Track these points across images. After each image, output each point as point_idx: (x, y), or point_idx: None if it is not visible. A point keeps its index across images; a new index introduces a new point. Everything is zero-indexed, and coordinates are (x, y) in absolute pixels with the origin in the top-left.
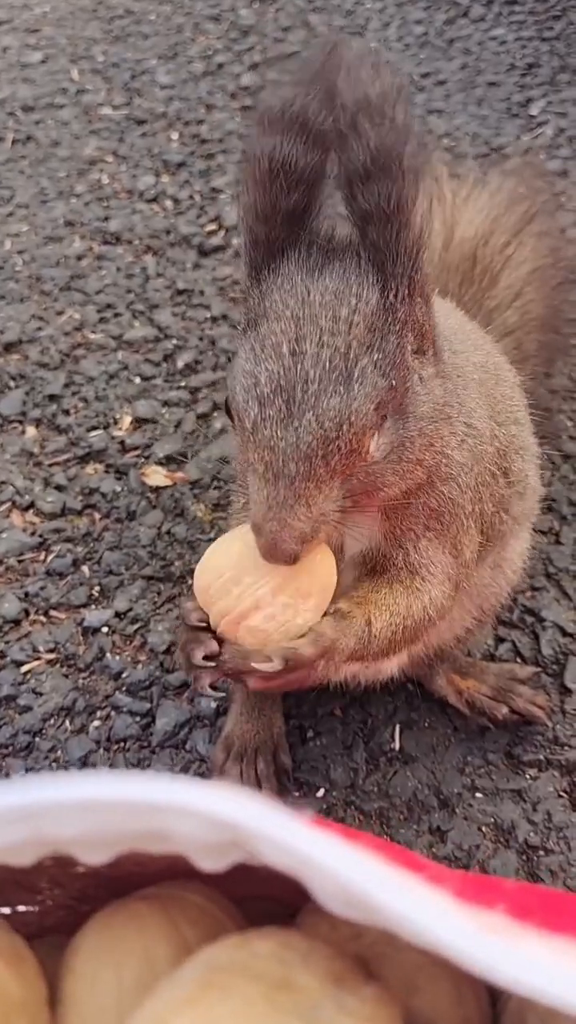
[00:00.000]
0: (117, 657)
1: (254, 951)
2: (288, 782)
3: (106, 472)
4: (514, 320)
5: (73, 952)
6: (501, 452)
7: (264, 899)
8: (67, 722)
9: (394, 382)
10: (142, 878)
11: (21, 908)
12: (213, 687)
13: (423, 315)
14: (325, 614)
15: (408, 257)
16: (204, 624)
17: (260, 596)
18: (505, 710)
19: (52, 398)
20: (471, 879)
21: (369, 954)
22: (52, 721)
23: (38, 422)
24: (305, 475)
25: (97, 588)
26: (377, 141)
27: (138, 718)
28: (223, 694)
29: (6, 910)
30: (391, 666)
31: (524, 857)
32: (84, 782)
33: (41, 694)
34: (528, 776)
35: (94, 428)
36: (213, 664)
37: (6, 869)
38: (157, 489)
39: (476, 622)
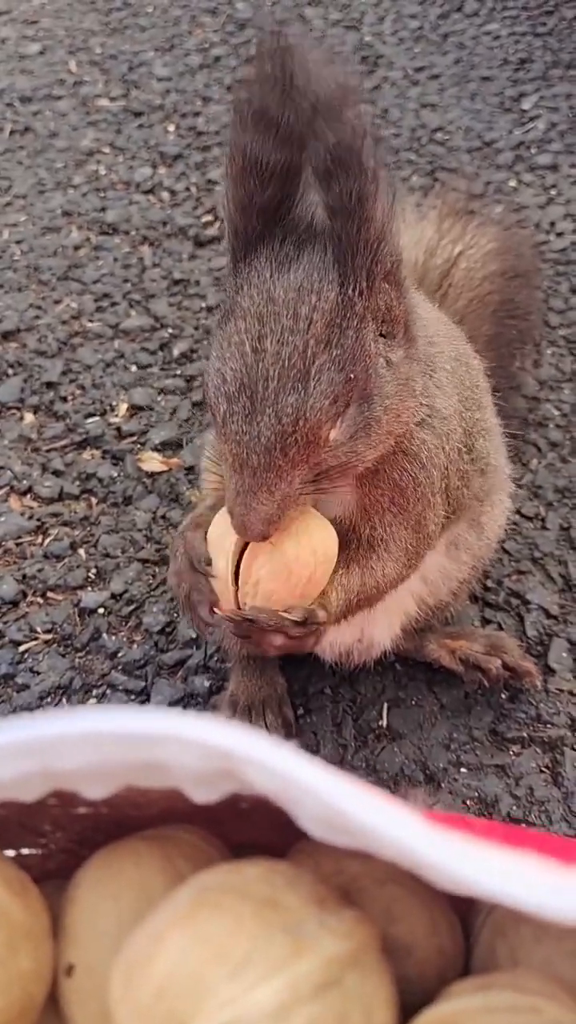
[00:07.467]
0: (113, 637)
1: (244, 875)
2: (292, 735)
3: (103, 458)
4: (465, 306)
5: (75, 885)
6: (467, 432)
7: (254, 847)
8: (64, 700)
9: (352, 375)
10: (140, 822)
11: (25, 851)
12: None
13: (390, 301)
14: None
15: (368, 251)
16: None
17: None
18: (498, 663)
19: (50, 385)
20: (441, 814)
21: (351, 888)
22: (49, 699)
23: (36, 409)
24: (266, 466)
25: (94, 570)
26: (334, 140)
27: (133, 696)
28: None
29: (11, 853)
30: (384, 639)
31: None
32: (87, 716)
33: (38, 673)
34: (511, 752)
35: (91, 415)
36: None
37: (13, 806)
38: (153, 475)
39: (470, 574)
